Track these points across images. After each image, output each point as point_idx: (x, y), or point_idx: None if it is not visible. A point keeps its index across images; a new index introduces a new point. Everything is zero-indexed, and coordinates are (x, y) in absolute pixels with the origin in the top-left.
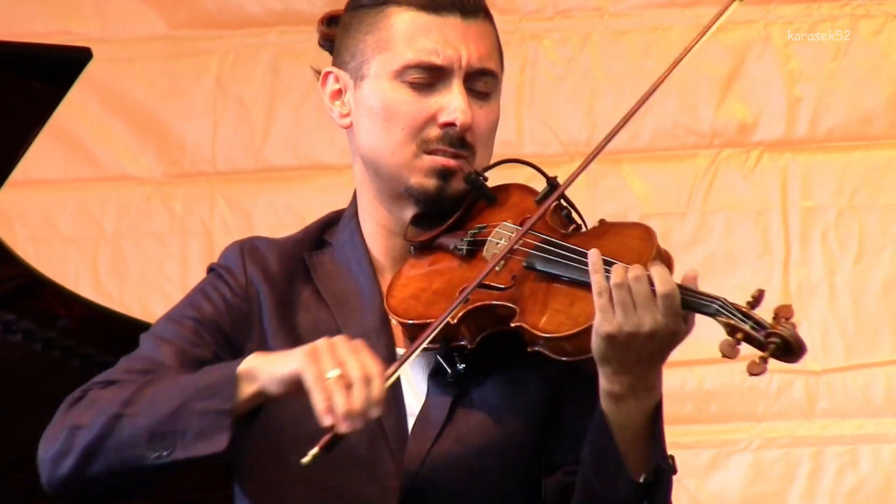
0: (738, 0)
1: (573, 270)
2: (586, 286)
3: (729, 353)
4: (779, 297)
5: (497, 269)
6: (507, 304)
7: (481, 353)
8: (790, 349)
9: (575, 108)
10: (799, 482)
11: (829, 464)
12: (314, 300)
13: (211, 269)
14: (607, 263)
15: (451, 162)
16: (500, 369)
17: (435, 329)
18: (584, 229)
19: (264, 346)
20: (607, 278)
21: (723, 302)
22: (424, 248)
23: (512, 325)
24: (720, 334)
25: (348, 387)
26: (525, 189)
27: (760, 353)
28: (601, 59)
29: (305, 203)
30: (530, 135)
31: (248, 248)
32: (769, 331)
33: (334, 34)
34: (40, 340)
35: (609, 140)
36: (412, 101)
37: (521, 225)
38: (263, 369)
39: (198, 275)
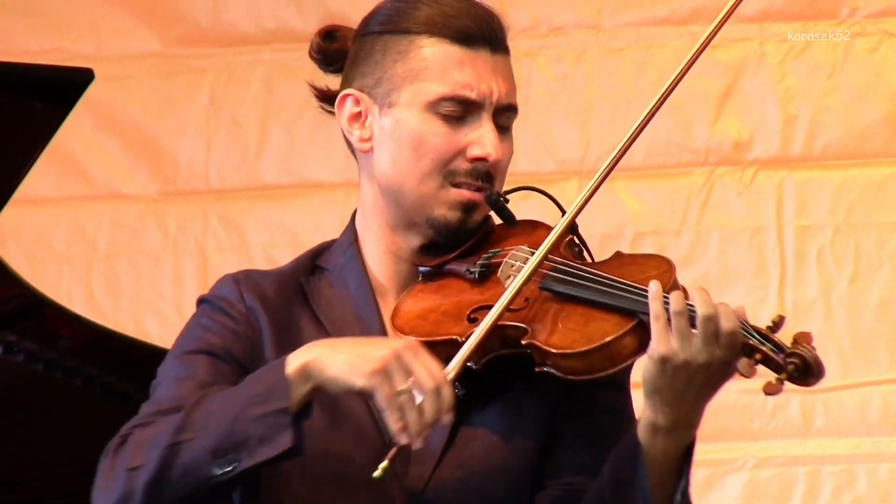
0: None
1: (591, 291)
2: (603, 307)
3: (746, 372)
4: (774, 316)
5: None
6: (517, 324)
7: (483, 377)
8: (810, 370)
9: (569, 126)
10: (795, 502)
11: (826, 483)
12: (313, 326)
13: (203, 301)
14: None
15: (477, 196)
16: (500, 395)
17: (481, 331)
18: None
19: None
20: (666, 308)
21: (743, 323)
22: (433, 275)
23: (523, 342)
24: None
25: (419, 398)
26: (539, 223)
27: (777, 375)
28: (596, 76)
29: (299, 221)
30: (524, 152)
31: (243, 278)
32: (789, 352)
33: (331, 48)
34: (42, 361)
35: (613, 165)
36: (443, 133)
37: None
38: (324, 373)
39: (191, 293)
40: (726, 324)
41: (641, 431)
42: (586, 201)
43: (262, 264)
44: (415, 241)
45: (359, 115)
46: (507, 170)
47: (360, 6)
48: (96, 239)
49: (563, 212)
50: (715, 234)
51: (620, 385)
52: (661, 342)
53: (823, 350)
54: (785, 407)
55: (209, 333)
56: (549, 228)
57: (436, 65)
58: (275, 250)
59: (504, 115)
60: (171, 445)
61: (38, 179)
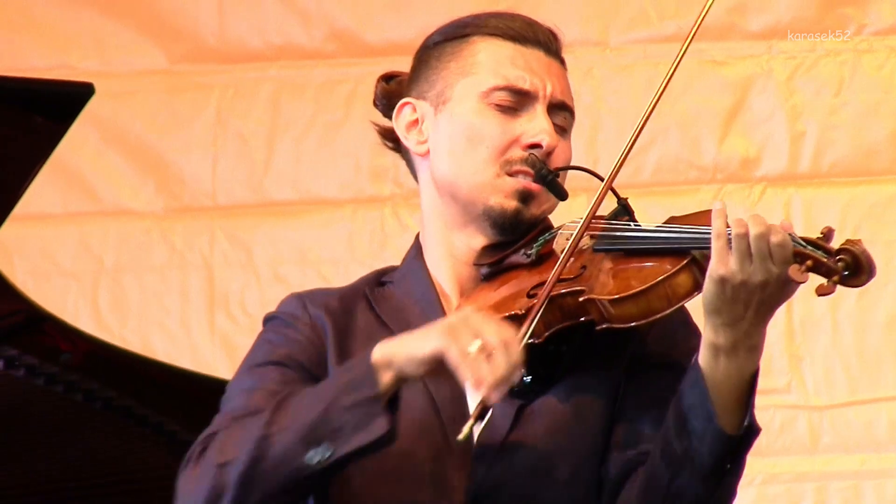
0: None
1: (642, 241)
2: (657, 253)
3: (798, 277)
4: (782, 333)
5: (567, 263)
6: (574, 288)
7: (548, 361)
8: (859, 265)
9: (577, 143)
10: None
11: (833, 499)
12: (377, 327)
13: (269, 319)
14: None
15: (533, 185)
16: (564, 379)
17: (543, 296)
18: None
19: None
20: (728, 231)
21: (792, 235)
22: (494, 274)
23: (580, 299)
24: None
25: (489, 356)
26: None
27: (829, 279)
28: (603, 93)
29: (306, 237)
30: None
31: (307, 295)
32: (836, 251)
33: (393, 90)
34: (43, 376)
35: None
36: (497, 122)
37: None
38: (399, 354)
39: (198, 309)
40: (776, 237)
41: (703, 354)
42: (621, 164)
43: (269, 281)
44: (473, 240)
45: (415, 122)
46: (564, 177)
47: (366, 23)
48: (102, 255)
49: (619, 200)
50: None
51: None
52: (721, 262)
53: (830, 367)
54: (792, 424)
55: (276, 346)
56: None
57: (489, 60)
58: (282, 267)
59: (559, 114)
60: (263, 438)
61: (44, 195)
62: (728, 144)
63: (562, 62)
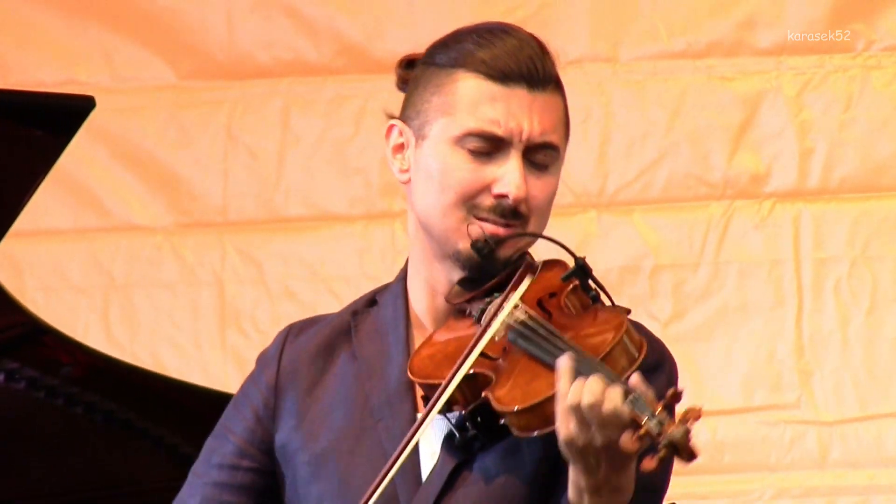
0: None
1: (540, 350)
2: (549, 367)
3: (628, 445)
4: (791, 349)
5: (496, 339)
6: (489, 373)
7: (491, 420)
8: (678, 452)
9: (587, 158)
10: None
11: None
12: (349, 362)
13: (257, 360)
14: (581, 371)
15: (501, 230)
16: (504, 439)
17: (440, 395)
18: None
19: (298, 425)
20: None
21: (634, 396)
22: (461, 312)
23: (483, 394)
24: (734, 385)
25: None
26: (561, 267)
27: (655, 452)
28: (612, 108)
29: (316, 253)
30: None
31: (295, 332)
32: (665, 430)
33: (410, 77)
34: (44, 388)
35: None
36: (468, 168)
37: (538, 303)
38: None
39: (209, 324)
40: (608, 405)
41: (570, 490)
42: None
43: (279, 296)
44: (450, 274)
45: (401, 146)
46: (548, 209)
47: (375, 37)
48: (112, 271)
49: (576, 260)
50: (733, 266)
51: None
52: (563, 425)
53: (840, 382)
54: (802, 438)
55: (238, 417)
56: (565, 269)
57: (467, 99)
58: (292, 282)
59: (539, 153)
60: None
61: (54, 211)
62: (738, 160)
63: (554, 88)
